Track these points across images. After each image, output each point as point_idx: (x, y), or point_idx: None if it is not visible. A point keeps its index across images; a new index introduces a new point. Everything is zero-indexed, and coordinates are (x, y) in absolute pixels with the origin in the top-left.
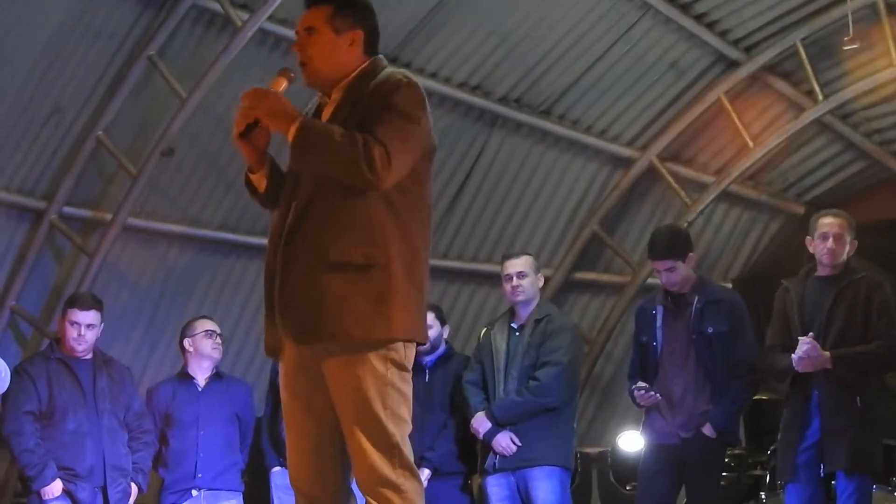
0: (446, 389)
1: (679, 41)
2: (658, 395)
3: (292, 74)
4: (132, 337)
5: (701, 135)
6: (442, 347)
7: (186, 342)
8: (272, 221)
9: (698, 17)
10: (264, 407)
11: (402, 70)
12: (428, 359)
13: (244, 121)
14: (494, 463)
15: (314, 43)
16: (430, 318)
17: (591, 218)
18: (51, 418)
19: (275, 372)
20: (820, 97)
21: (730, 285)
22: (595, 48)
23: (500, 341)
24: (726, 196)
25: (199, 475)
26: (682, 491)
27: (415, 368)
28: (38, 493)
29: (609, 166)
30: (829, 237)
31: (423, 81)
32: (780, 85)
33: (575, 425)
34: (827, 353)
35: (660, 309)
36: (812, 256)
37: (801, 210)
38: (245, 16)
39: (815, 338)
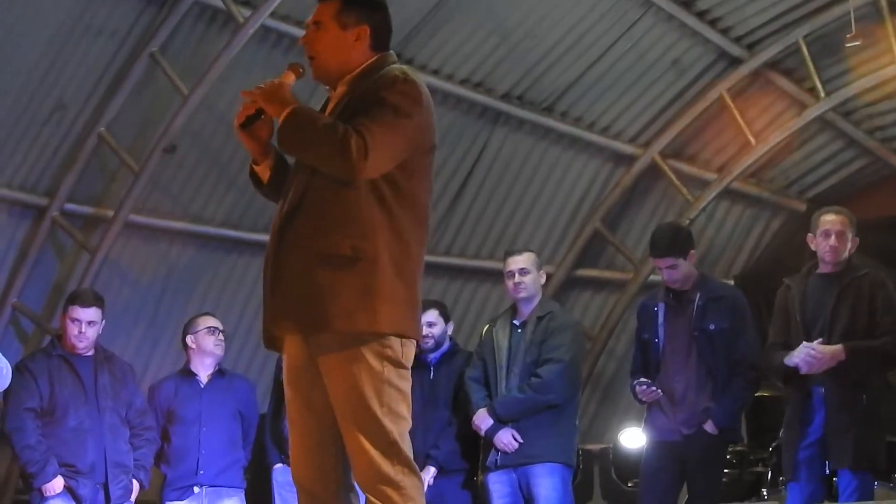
0: (451, 386)
1: (681, 38)
2: (659, 390)
3: (301, 69)
4: (134, 334)
5: (703, 132)
6: (446, 344)
7: (189, 339)
8: (274, 213)
9: (700, 15)
10: (268, 403)
11: (405, 66)
12: (432, 356)
13: (245, 111)
14: (496, 460)
15: (320, 37)
16: (434, 315)
17: (593, 215)
18: (52, 415)
19: (279, 368)
20: (822, 94)
21: (732, 282)
22: (597, 46)
23: (502, 338)
24: (728, 193)
25: (202, 472)
26: (684, 488)
27: (419, 366)
28: (40, 490)
29: (611, 163)
30: (831, 234)
31: (425, 78)
32: (783, 82)
33: (577, 422)
34: (839, 347)
35: (661, 306)
36: (814, 254)
37: (803, 207)
38: (247, 12)
39: (819, 335)
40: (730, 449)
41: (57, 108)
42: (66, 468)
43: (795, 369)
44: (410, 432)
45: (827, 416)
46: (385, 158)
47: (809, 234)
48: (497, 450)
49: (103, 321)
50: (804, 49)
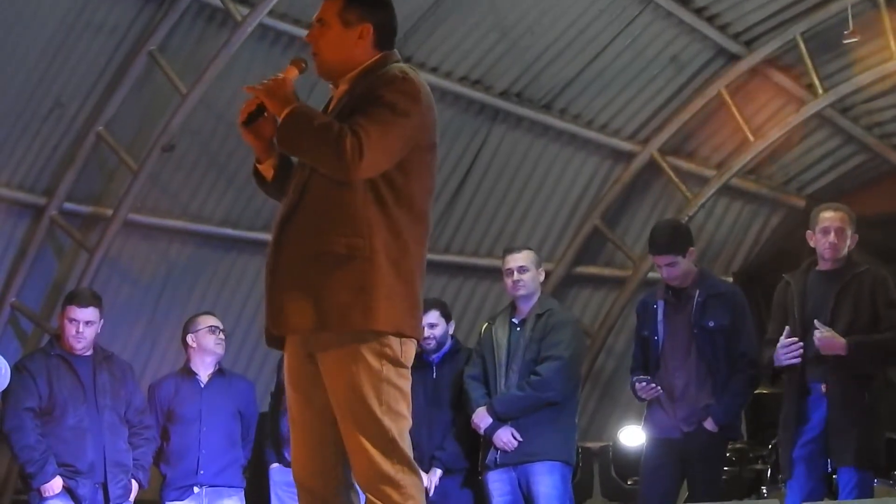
0: (454, 385)
1: (680, 35)
2: (659, 388)
3: (304, 64)
4: (133, 332)
5: (702, 129)
6: (448, 343)
7: (189, 338)
8: (277, 211)
9: (699, 11)
10: (268, 403)
11: (405, 65)
12: (435, 356)
13: (248, 107)
14: (496, 458)
15: (324, 34)
16: (435, 316)
17: (592, 212)
18: (51, 414)
19: (281, 368)
20: (820, 91)
21: (731, 279)
22: (596, 43)
23: (501, 336)
24: (727, 190)
25: (202, 472)
26: (684, 485)
27: (422, 366)
28: (39, 490)
29: (610, 160)
30: (830, 231)
31: (424, 76)
32: (781, 79)
33: (576, 420)
34: (842, 340)
35: (661, 303)
36: (813, 250)
37: (801, 203)
38: (245, 11)
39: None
40: (730, 446)
41: (55, 106)
42: (64, 468)
43: (784, 368)
44: (414, 432)
45: (829, 414)
46: (381, 158)
47: (808, 231)
48: (496, 448)
49: (101, 321)
50: (802, 45)
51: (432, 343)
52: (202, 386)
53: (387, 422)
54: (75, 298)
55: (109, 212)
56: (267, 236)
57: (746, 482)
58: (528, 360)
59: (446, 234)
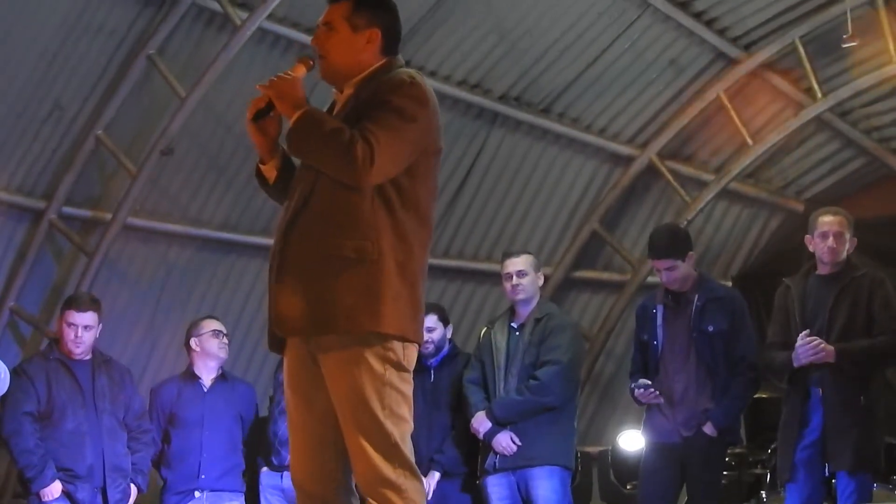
0: (452, 389)
1: (678, 39)
2: (657, 393)
3: (311, 62)
4: (132, 336)
5: (700, 132)
6: (446, 347)
7: (193, 342)
8: (280, 213)
9: (697, 15)
10: (267, 406)
11: (412, 70)
12: (433, 360)
13: (257, 104)
14: (495, 462)
15: (331, 38)
16: (433, 320)
17: (590, 216)
18: (50, 419)
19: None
20: (819, 94)
21: (730, 283)
22: (594, 46)
23: (500, 340)
24: (726, 193)
25: (203, 476)
26: (683, 490)
27: (420, 370)
28: (38, 494)
29: (609, 164)
30: (829, 235)
31: None
32: (779, 82)
33: (575, 424)
34: (831, 347)
35: (660, 307)
36: (812, 254)
37: (800, 207)
38: (244, 14)
39: (818, 334)
40: (729, 451)
41: (54, 109)
42: (63, 472)
43: (796, 369)
44: (413, 435)
45: (825, 418)
46: (391, 164)
47: (807, 236)
48: (495, 452)
49: (100, 325)
50: (801, 49)
51: (430, 347)
52: (205, 390)
53: (389, 426)
54: (74, 303)
55: (108, 215)
56: (266, 240)
57: (746, 486)
58: (527, 364)
59: (445, 237)
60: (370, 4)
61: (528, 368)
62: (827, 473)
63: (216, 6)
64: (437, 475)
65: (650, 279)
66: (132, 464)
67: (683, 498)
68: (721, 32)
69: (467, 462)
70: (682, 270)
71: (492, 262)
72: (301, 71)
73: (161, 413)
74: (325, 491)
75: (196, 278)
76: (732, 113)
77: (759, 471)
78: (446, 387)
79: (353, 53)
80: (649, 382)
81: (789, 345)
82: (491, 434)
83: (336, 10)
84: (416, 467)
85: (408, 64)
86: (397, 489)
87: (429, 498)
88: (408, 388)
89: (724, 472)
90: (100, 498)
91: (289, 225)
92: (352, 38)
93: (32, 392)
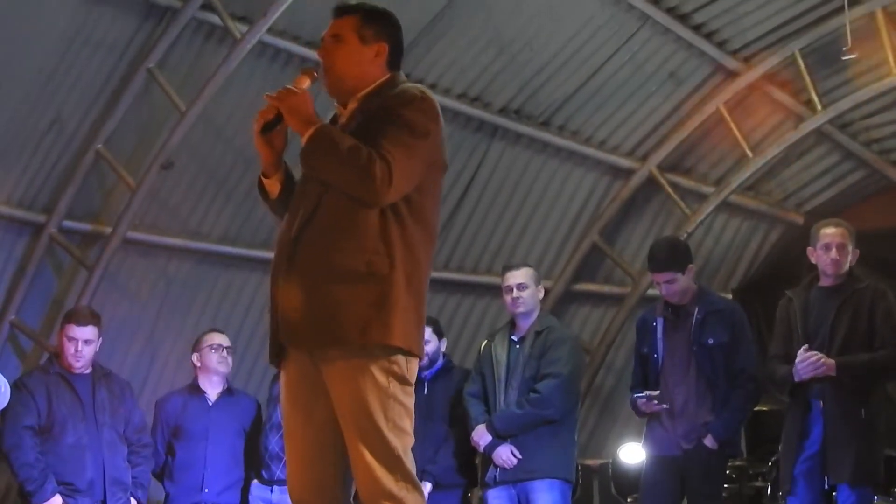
0: (446, 402)
1: (678, 51)
2: (660, 402)
3: (315, 74)
4: (132, 349)
5: (700, 145)
6: (440, 361)
7: (195, 356)
8: (281, 226)
9: (697, 28)
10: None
11: (418, 85)
12: (427, 373)
13: (266, 116)
14: (495, 476)
15: (339, 50)
16: (428, 332)
17: (590, 229)
18: (50, 432)
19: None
20: (819, 107)
21: (730, 295)
22: (594, 59)
23: (500, 353)
24: (726, 206)
25: (206, 490)
26: (684, 502)
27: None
28: None
29: (609, 177)
30: (831, 247)
31: None
32: (779, 95)
33: (576, 437)
34: (832, 361)
35: (660, 320)
36: (813, 266)
37: (800, 220)
38: (244, 28)
39: (820, 347)
40: (729, 463)
41: (54, 123)
42: (64, 486)
43: (797, 382)
44: None
45: (825, 430)
46: (406, 181)
47: (809, 248)
48: (496, 466)
49: (100, 339)
50: (801, 61)
51: (424, 360)
52: (210, 404)
53: (392, 438)
54: (74, 317)
55: (108, 229)
56: (266, 253)
57: (746, 499)
58: (527, 377)
59: (445, 250)
60: (378, 19)
61: (528, 381)
62: (826, 486)
63: (216, 19)
64: (428, 486)
65: (650, 292)
66: (132, 477)
67: None
68: (720, 45)
69: (462, 474)
70: (681, 283)
71: (492, 275)
72: (305, 83)
73: (165, 425)
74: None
75: (196, 292)
76: (732, 125)
77: (759, 483)
78: (440, 399)
79: (360, 66)
80: (656, 393)
81: (791, 357)
82: (491, 447)
83: (344, 22)
84: (418, 480)
85: (408, 76)
86: (399, 502)
87: None
88: (410, 401)
89: (725, 485)
90: None
91: (296, 238)
92: (361, 51)
93: (33, 406)
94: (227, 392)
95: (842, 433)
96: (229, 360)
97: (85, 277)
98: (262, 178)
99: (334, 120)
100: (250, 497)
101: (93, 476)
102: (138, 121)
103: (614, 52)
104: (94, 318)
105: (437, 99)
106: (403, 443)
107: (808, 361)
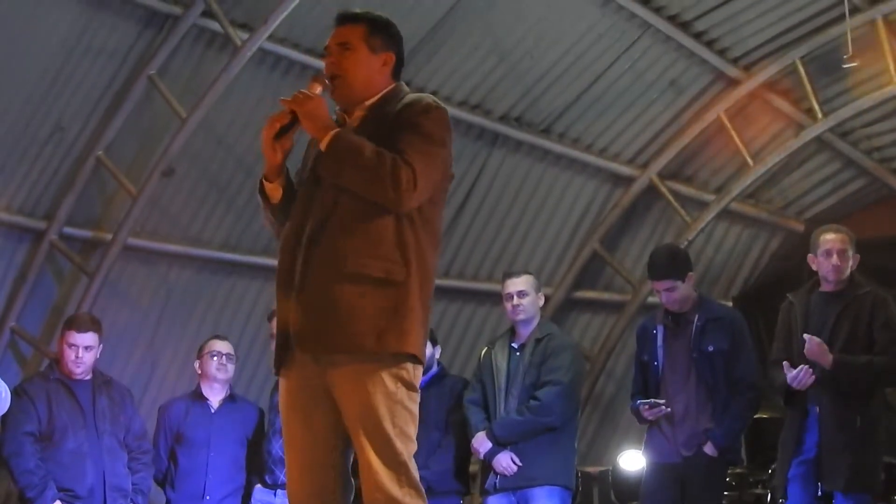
0: (440, 409)
1: (679, 59)
2: (665, 406)
3: (326, 80)
4: (132, 357)
5: (701, 153)
6: (434, 368)
7: (196, 363)
8: (286, 232)
9: (698, 36)
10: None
11: (428, 94)
12: (420, 380)
13: (280, 120)
14: (495, 483)
15: (349, 58)
16: None
17: (591, 236)
18: (50, 439)
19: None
20: (819, 115)
21: (730, 303)
22: (595, 66)
23: (500, 360)
24: (727, 214)
25: (207, 497)
26: None
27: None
28: None
29: (609, 184)
30: (832, 253)
31: None
32: (780, 103)
33: (576, 444)
34: (830, 355)
35: (660, 328)
36: (814, 272)
37: (801, 227)
38: (245, 35)
39: None
40: (729, 471)
41: (55, 130)
42: (64, 493)
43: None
44: None
45: (821, 437)
46: (428, 188)
47: (810, 255)
48: (496, 473)
49: (100, 345)
50: (801, 69)
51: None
52: (213, 411)
53: (398, 444)
54: (74, 323)
55: (109, 236)
56: (267, 260)
57: None
58: (527, 384)
59: (445, 258)
60: (384, 28)
61: (528, 389)
62: (820, 493)
63: (217, 27)
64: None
65: (650, 299)
66: (132, 484)
67: None
68: (721, 53)
69: (457, 481)
70: (681, 291)
71: (492, 283)
72: (318, 89)
73: (168, 431)
74: None
75: (196, 298)
76: (733, 133)
77: (759, 490)
78: (435, 407)
79: (369, 75)
80: (661, 402)
81: (791, 361)
82: (491, 454)
83: (352, 31)
84: (422, 487)
85: (408, 84)
86: None
87: None
88: (416, 408)
89: (725, 492)
90: None
91: (310, 242)
92: (370, 60)
93: (33, 412)
94: (230, 399)
95: (836, 440)
96: (229, 367)
97: (85, 284)
98: (265, 181)
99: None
100: (253, 501)
101: (93, 483)
102: (139, 128)
103: (615, 60)
104: (94, 325)
105: None
106: (409, 449)
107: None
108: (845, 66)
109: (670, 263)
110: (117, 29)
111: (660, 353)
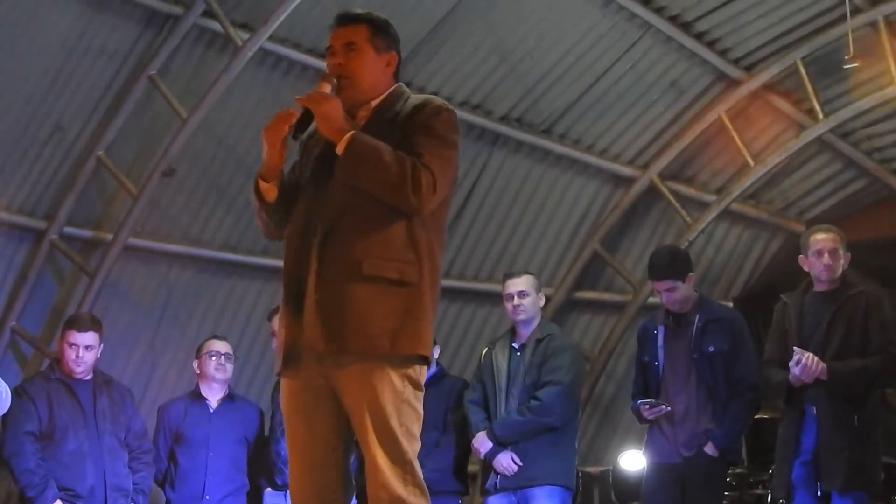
0: (439, 409)
1: (679, 60)
2: (666, 406)
3: (334, 80)
4: (133, 357)
5: (702, 153)
6: (434, 368)
7: (195, 363)
8: (289, 233)
9: (699, 36)
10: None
11: (432, 95)
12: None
13: (289, 120)
14: (496, 483)
15: (356, 59)
16: None
17: (592, 237)
18: (51, 439)
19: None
20: (820, 115)
21: (731, 304)
22: (596, 67)
23: (501, 361)
24: (727, 215)
25: (207, 497)
26: None
27: None
28: None
29: (610, 185)
30: (823, 253)
31: None
32: (781, 103)
33: (576, 444)
34: (823, 365)
35: (661, 328)
36: (807, 273)
37: (801, 228)
38: (245, 35)
39: (815, 351)
40: (730, 471)
41: (56, 130)
42: (65, 492)
43: (792, 388)
44: None
45: (819, 437)
46: (444, 191)
47: (801, 256)
48: (496, 473)
49: (101, 345)
50: (802, 70)
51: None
52: (211, 411)
53: (405, 444)
54: (75, 323)
55: (109, 236)
56: (267, 261)
57: None
58: (528, 384)
59: (446, 258)
60: (385, 28)
61: (529, 389)
62: (820, 492)
63: (217, 27)
64: None
65: (651, 300)
66: (133, 483)
67: None
68: (722, 53)
69: (456, 481)
70: (682, 292)
71: (493, 283)
72: (327, 88)
73: (168, 431)
74: None
75: (197, 299)
76: (734, 134)
77: (759, 491)
78: (433, 407)
79: (375, 75)
80: (663, 404)
81: (786, 362)
82: (492, 454)
83: (354, 31)
84: (426, 487)
85: (409, 85)
86: None
87: None
88: (421, 407)
89: (725, 493)
90: None
91: (322, 245)
92: (376, 60)
93: (34, 412)
94: (229, 399)
95: (834, 440)
96: (228, 366)
97: (86, 284)
98: (261, 181)
99: None
100: None
101: (94, 482)
102: (139, 128)
103: (616, 61)
104: (95, 325)
105: None
106: (414, 448)
107: (803, 365)
108: (846, 66)
109: (671, 264)
110: (118, 29)
111: (660, 353)
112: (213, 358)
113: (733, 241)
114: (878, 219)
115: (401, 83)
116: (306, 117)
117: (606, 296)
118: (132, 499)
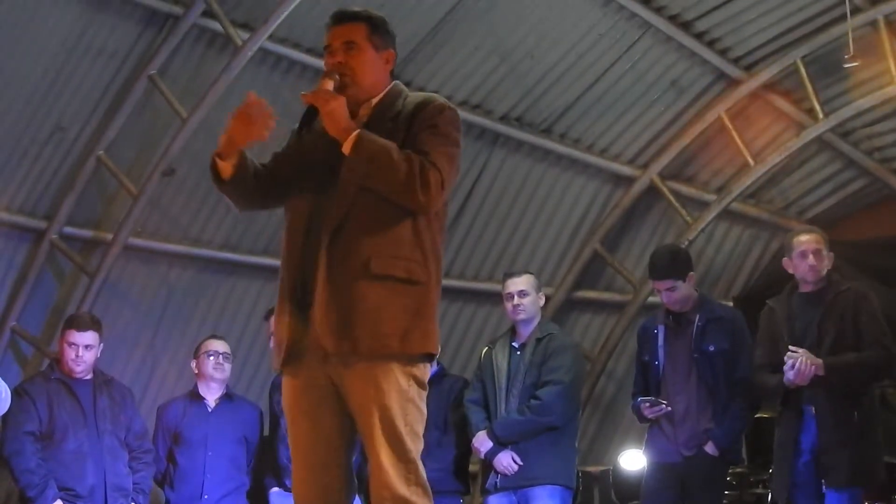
0: (439, 408)
1: (680, 59)
2: (666, 405)
3: (336, 77)
4: (133, 357)
5: (702, 153)
6: (434, 367)
7: (193, 363)
8: (290, 230)
9: (699, 36)
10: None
11: (432, 93)
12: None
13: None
14: (496, 482)
15: (357, 58)
16: None
17: (592, 236)
18: (51, 438)
19: (276, 392)
20: (821, 115)
21: (731, 303)
22: (596, 67)
23: (501, 360)
24: (727, 214)
25: (206, 496)
26: None
27: None
28: None
29: (610, 185)
30: (808, 254)
31: None
32: (781, 103)
33: (577, 444)
34: (819, 360)
35: (661, 328)
36: (791, 275)
37: None
38: (245, 35)
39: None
40: (730, 470)
41: (56, 130)
42: (65, 492)
43: (789, 389)
44: None
45: (819, 436)
46: (450, 189)
47: (785, 258)
48: (497, 472)
49: (101, 345)
50: (803, 70)
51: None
52: (209, 411)
53: (409, 443)
54: (75, 323)
55: (109, 236)
56: (267, 260)
57: None
58: (528, 384)
59: (446, 258)
60: (383, 26)
61: (529, 388)
62: (824, 490)
63: (217, 27)
64: None
65: (651, 300)
66: (133, 483)
67: None
68: (722, 53)
69: (457, 480)
70: (682, 291)
71: (493, 283)
72: (329, 85)
73: (166, 432)
74: None
75: (197, 299)
76: (734, 133)
77: (760, 490)
78: (434, 406)
79: (375, 73)
80: (663, 403)
81: (778, 366)
82: (492, 454)
83: (352, 30)
84: (429, 487)
85: (409, 84)
86: None
87: None
88: (424, 406)
89: (726, 492)
90: None
91: (329, 244)
92: (376, 58)
93: (34, 412)
94: (227, 398)
95: (834, 437)
96: (226, 366)
97: (86, 284)
98: (218, 159)
99: None
100: None
101: (94, 482)
102: (139, 128)
103: (616, 61)
104: (94, 324)
105: None
106: (417, 447)
107: (797, 366)
108: (846, 66)
109: (671, 263)
110: (118, 29)
111: (661, 353)
112: (212, 357)
113: (733, 240)
114: (878, 219)
115: (397, 81)
116: (310, 113)
117: (606, 295)
118: (132, 499)
